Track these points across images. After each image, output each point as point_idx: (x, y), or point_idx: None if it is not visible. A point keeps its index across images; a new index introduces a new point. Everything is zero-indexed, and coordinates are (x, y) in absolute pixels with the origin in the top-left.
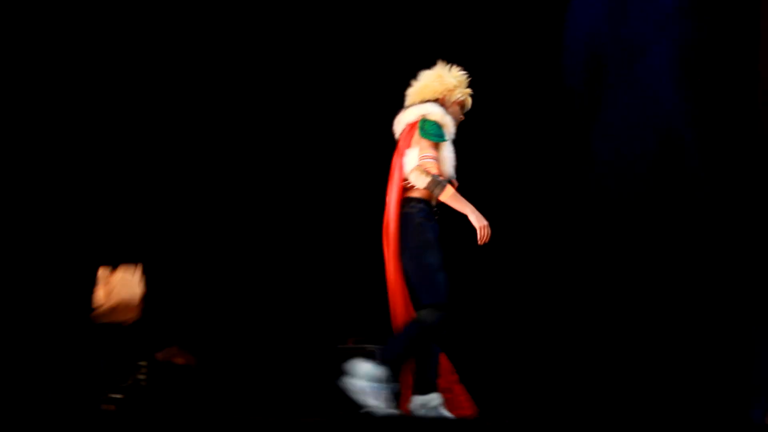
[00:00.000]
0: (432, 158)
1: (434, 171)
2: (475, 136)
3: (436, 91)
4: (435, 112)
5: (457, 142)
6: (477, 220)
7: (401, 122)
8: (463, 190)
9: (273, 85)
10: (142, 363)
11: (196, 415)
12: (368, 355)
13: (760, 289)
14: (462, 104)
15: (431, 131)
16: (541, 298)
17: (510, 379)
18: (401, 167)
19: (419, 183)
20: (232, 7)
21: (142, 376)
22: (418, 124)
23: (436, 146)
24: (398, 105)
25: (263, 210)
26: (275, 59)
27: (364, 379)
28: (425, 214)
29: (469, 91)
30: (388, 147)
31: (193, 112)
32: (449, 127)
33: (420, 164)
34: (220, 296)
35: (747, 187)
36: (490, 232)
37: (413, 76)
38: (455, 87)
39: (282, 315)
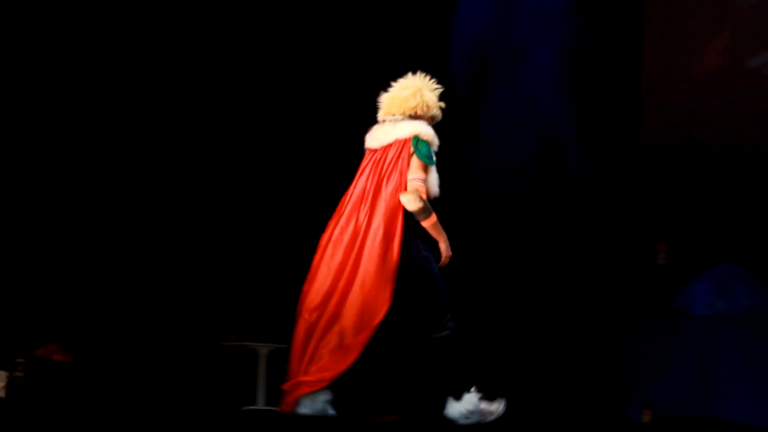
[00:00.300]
0: (423, 181)
1: (425, 196)
2: (356, 136)
3: (416, 106)
4: (428, 133)
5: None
6: (446, 251)
7: (388, 134)
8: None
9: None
10: (20, 360)
11: (74, 412)
12: (456, 395)
13: (637, 290)
14: (433, 119)
15: (425, 153)
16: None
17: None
18: (402, 182)
19: (410, 206)
20: (202, 8)
21: (19, 374)
22: (411, 143)
23: (426, 168)
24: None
25: (147, 206)
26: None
27: (464, 417)
28: (418, 228)
29: (442, 104)
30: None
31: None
32: (435, 147)
33: (416, 188)
34: (100, 292)
35: (627, 188)
36: (447, 263)
37: (301, 73)
38: (433, 104)
39: (165, 312)
